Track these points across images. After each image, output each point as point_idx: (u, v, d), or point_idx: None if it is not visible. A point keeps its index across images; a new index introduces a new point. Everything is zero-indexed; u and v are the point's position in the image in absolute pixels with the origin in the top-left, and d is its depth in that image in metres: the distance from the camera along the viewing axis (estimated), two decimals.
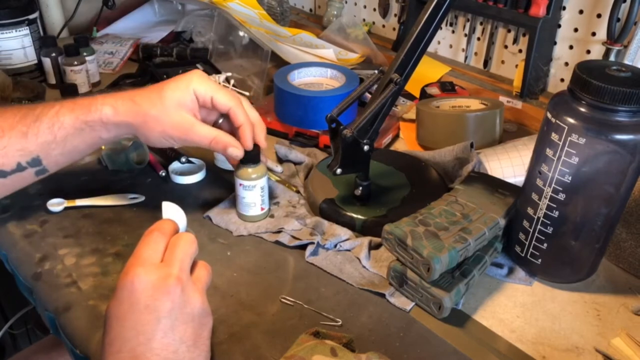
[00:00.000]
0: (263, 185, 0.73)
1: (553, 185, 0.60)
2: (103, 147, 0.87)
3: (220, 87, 0.67)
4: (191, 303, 0.49)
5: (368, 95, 0.96)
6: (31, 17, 1.11)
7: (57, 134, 0.64)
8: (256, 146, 0.72)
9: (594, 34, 0.96)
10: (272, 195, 0.80)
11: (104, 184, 0.83)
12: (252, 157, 0.71)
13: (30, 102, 0.99)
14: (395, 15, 1.28)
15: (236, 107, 0.67)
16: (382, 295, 0.65)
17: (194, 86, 0.65)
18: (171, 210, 0.56)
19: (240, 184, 0.72)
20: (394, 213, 0.73)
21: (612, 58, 0.92)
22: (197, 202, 0.80)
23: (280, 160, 0.90)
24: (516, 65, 1.07)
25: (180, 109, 0.65)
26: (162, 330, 0.47)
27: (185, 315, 0.48)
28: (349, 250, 0.71)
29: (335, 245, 0.71)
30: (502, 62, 1.12)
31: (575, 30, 0.99)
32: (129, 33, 1.37)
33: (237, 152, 0.68)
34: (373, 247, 0.71)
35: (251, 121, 0.70)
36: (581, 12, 0.97)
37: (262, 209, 0.75)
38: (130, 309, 0.47)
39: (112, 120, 0.65)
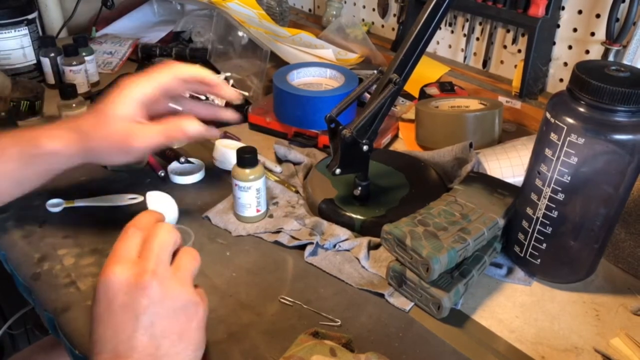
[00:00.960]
0: (259, 187, 0.73)
1: (552, 185, 0.60)
2: None
3: (150, 72, 0.65)
4: (171, 296, 0.47)
5: (367, 96, 0.96)
6: (30, 17, 1.11)
7: (4, 167, 0.63)
8: (252, 149, 0.72)
9: (593, 34, 0.96)
10: (271, 196, 0.80)
11: (102, 184, 0.83)
12: (248, 160, 0.71)
13: (29, 102, 0.99)
14: (395, 15, 1.28)
15: (176, 69, 0.66)
16: (381, 296, 0.65)
17: (131, 95, 0.64)
18: (156, 200, 0.54)
19: (236, 184, 0.72)
20: (393, 213, 0.73)
21: (611, 58, 0.92)
22: (196, 203, 0.80)
23: (280, 161, 0.90)
24: (515, 66, 1.07)
25: (125, 121, 0.64)
26: (142, 327, 0.45)
27: (166, 309, 0.47)
28: (348, 251, 0.71)
29: (335, 246, 0.71)
30: (501, 62, 1.12)
31: (574, 30, 0.99)
32: (128, 33, 1.37)
33: (195, 125, 0.65)
34: (372, 247, 0.71)
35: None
36: (580, 12, 0.97)
37: (258, 210, 0.75)
38: (107, 308, 0.46)
39: (61, 152, 0.64)
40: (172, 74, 0.66)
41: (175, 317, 0.47)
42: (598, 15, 0.94)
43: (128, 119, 0.64)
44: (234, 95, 0.69)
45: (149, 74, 0.66)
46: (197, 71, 0.67)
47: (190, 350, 0.48)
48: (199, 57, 1.21)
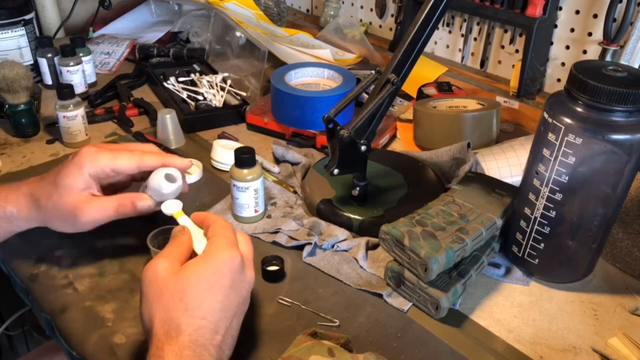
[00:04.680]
0: (257, 188, 0.73)
1: (550, 185, 0.60)
2: None
3: (116, 153, 0.65)
4: (251, 282, 0.55)
5: (365, 96, 0.96)
6: (27, 17, 1.11)
7: None
8: (250, 149, 0.72)
9: (590, 34, 0.96)
10: (269, 196, 0.80)
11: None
12: (246, 160, 0.71)
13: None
14: (392, 15, 1.28)
15: (141, 161, 0.65)
16: (380, 296, 0.65)
17: (87, 170, 0.63)
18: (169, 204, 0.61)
19: (234, 185, 0.72)
20: (391, 213, 0.73)
21: (608, 58, 0.92)
22: (193, 203, 0.80)
23: (278, 161, 0.90)
24: (513, 66, 1.08)
25: (76, 194, 0.63)
26: (241, 312, 0.54)
27: (249, 292, 0.55)
28: (346, 251, 0.71)
29: (333, 246, 0.71)
30: (499, 62, 1.12)
31: (572, 30, 0.99)
32: (126, 33, 1.37)
33: (147, 202, 0.65)
34: (370, 247, 0.71)
35: (164, 153, 0.67)
36: (577, 12, 0.97)
37: (256, 211, 0.75)
38: (219, 284, 0.51)
39: (17, 217, 0.64)
40: (136, 163, 0.65)
41: (249, 300, 0.55)
42: (595, 16, 0.94)
43: (79, 191, 0.63)
44: (182, 165, 0.67)
45: (113, 152, 0.65)
46: (158, 161, 0.65)
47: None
48: (197, 57, 1.21)
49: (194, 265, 0.51)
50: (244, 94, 1.05)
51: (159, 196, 0.64)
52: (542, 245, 0.64)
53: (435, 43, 1.22)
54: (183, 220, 0.59)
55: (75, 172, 0.63)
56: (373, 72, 0.73)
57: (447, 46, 1.20)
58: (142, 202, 0.64)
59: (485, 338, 0.60)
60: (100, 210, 0.64)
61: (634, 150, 0.56)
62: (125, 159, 0.65)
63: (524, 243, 0.66)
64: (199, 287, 0.50)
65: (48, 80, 1.12)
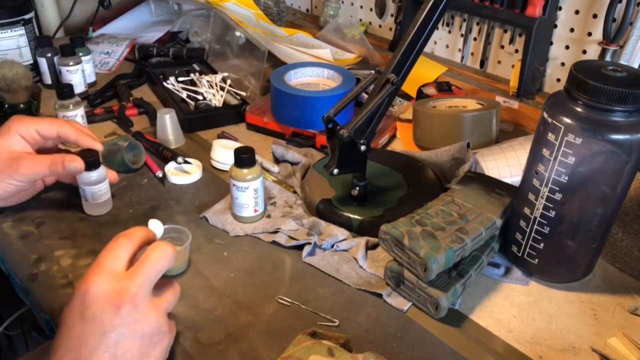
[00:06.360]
0: (257, 187, 0.73)
1: (550, 185, 0.60)
2: None
3: (40, 119, 0.74)
4: (142, 321, 0.48)
5: (365, 96, 0.96)
6: (27, 17, 1.11)
7: None
8: (250, 149, 0.72)
9: (589, 34, 0.97)
10: (268, 196, 0.80)
11: None
12: (246, 160, 0.71)
13: (25, 105, 0.98)
14: (392, 15, 1.28)
15: (61, 128, 0.73)
16: (379, 296, 0.65)
17: (15, 129, 0.71)
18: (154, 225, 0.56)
19: (234, 185, 0.72)
20: (391, 213, 0.73)
21: (608, 58, 0.92)
22: (193, 203, 0.80)
23: (277, 161, 0.90)
24: (512, 66, 1.08)
25: (8, 152, 0.70)
26: (106, 344, 0.46)
27: (134, 332, 0.47)
28: (345, 251, 0.71)
29: (332, 246, 0.71)
30: (499, 62, 1.12)
31: (572, 30, 0.99)
32: (125, 33, 1.37)
33: (76, 164, 0.70)
34: (370, 247, 0.71)
35: (83, 131, 0.75)
36: (577, 12, 0.97)
37: (256, 210, 0.75)
38: (78, 317, 0.46)
39: None
40: (56, 130, 0.73)
41: (140, 342, 0.48)
42: (595, 16, 0.94)
43: (15, 148, 0.70)
44: (95, 146, 0.74)
45: (36, 118, 0.74)
46: (74, 135, 0.73)
47: None
48: (197, 57, 1.21)
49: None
50: (243, 93, 1.05)
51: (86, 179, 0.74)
52: (542, 245, 0.64)
53: (435, 43, 1.22)
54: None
55: (5, 133, 0.71)
56: (373, 72, 0.73)
57: (447, 46, 1.20)
58: (70, 163, 0.70)
59: (485, 338, 0.60)
60: (35, 164, 0.70)
61: (634, 150, 0.56)
62: (47, 124, 0.73)
63: (524, 243, 0.66)
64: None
65: (47, 79, 1.12)
